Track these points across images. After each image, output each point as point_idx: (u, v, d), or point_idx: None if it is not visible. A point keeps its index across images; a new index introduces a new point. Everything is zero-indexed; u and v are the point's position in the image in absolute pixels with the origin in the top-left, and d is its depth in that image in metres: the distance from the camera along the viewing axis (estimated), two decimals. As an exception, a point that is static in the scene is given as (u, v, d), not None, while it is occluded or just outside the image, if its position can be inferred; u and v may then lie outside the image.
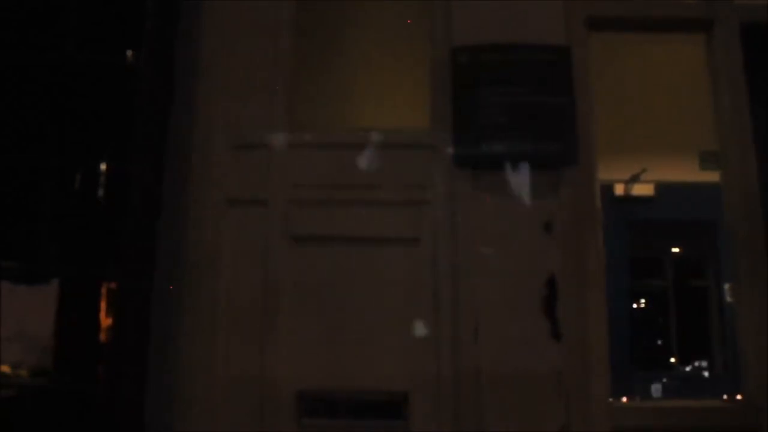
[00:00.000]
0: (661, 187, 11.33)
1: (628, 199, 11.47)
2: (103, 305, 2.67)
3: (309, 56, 3.29)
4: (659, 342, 13.04)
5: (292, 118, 3.01)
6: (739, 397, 2.97)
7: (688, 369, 12.79)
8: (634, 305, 12.99)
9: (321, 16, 3.47)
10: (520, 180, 2.87)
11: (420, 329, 2.80)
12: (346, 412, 2.76)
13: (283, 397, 2.74)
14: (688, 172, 7.94)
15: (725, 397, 3.85)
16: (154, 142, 2.85)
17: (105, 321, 2.67)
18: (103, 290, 2.67)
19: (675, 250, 13.08)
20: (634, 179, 10.85)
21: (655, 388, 11.59)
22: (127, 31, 2.83)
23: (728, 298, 10.88)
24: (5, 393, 2.57)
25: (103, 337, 2.65)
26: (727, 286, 11.13)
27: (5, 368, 2.58)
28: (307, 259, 2.86)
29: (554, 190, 2.89)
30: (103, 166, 2.72)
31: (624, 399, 5.66)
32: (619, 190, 11.44)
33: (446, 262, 2.83)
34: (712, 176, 3.52)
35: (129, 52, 2.81)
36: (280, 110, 3.01)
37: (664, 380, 11.87)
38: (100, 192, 2.71)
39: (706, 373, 12.68)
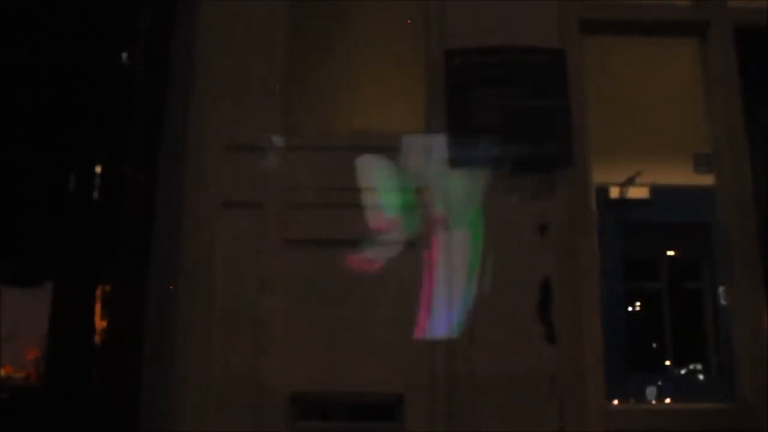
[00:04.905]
0: (656, 190, 11.35)
1: (622, 201, 11.51)
2: (97, 307, 2.67)
3: (304, 57, 3.28)
4: (654, 344, 13.06)
5: (287, 120, 3.01)
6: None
7: (683, 371, 12.80)
8: (629, 308, 13.01)
9: (316, 17, 3.46)
10: (514, 183, 2.88)
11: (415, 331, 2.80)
12: (340, 414, 2.76)
13: (277, 400, 2.73)
14: (682, 175, 7.94)
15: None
16: (149, 144, 2.85)
17: (100, 323, 2.67)
18: (98, 292, 2.67)
19: (670, 252, 13.10)
20: (629, 182, 10.87)
21: (650, 391, 11.61)
22: (122, 33, 2.83)
23: (723, 301, 10.92)
24: (1, 395, 2.57)
25: (97, 338, 2.65)
26: (721, 289, 11.16)
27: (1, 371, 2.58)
28: (301, 262, 2.85)
29: (549, 192, 2.89)
30: (97, 168, 2.71)
31: (618, 402, 5.67)
32: (613, 192, 11.48)
33: (441, 265, 2.83)
34: (707, 179, 3.53)
35: (124, 53, 2.81)
36: (275, 112, 3.00)
37: (659, 383, 11.89)
38: (95, 193, 2.71)
39: (701, 376, 12.71)
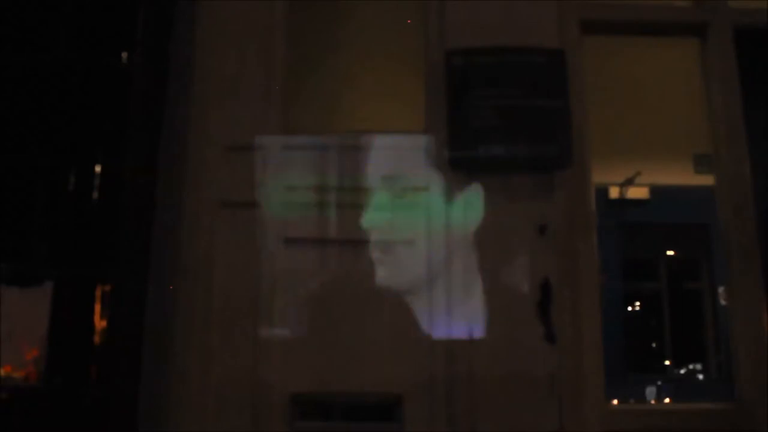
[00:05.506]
0: (656, 190, 11.37)
1: (622, 202, 11.51)
2: (97, 307, 2.66)
3: (303, 58, 3.28)
4: (653, 345, 13.06)
5: (287, 120, 3.01)
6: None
7: (682, 372, 12.80)
8: (629, 308, 13.01)
9: (316, 17, 3.47)
10: (514, 183, 2.88)
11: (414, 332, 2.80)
12: (340, 414, 2.76)
13: (277, 400, 2.73)
14: (682, 175, 7.97)
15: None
16: (148, 143, 2.85)
17: (99, 323, 2.67)
18: (97, 292, 2.66)
19: (669, 252, 13.10)
20: (629, 182, 10.89)
21: (650, 391, 11.60)
22: (121, 33, 2.83)
23: (723, 301, 10.92)
24: (1, 395, 2.57)
25: (97, 338, 2.65)
26: (721, 289, 11.16)
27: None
28: (300, 262, 2.86)
29: (549, 193, 2.89)
30: (97, 168, 2.71)
31: (618, 402, 5.67)
32: (613, 193, 11.49)
33: (441, 265, 2.84)
34: (707, 179, 3.53)
35: (123, 54, 2.81)
36: (273, 112, 3.00)
37: (659, 383, 11.88)
38: (94, 193, 2.71)
39: (700, 376, 12.70)
